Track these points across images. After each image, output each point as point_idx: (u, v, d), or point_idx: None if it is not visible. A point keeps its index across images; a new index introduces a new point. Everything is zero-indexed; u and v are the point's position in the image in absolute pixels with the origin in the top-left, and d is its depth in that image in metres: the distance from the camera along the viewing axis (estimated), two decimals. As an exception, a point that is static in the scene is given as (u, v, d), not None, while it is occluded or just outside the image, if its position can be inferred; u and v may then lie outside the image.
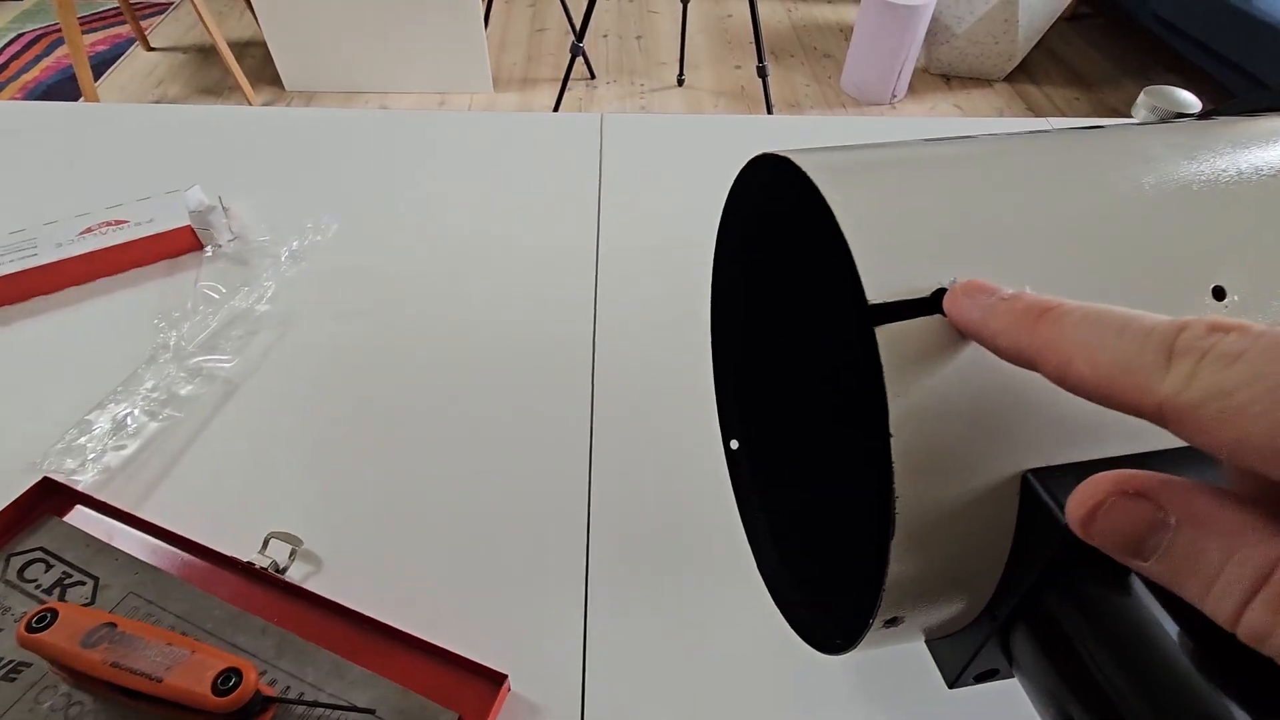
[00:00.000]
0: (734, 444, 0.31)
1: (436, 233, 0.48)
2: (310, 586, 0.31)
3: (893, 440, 0.15)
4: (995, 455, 0.15)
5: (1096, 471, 0.16)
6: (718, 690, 0.29)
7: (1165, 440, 0.16)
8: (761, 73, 1.49)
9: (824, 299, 0.27)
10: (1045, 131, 0.20)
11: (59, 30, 1.81)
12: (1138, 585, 0.15)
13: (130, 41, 2.09)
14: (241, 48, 2.06)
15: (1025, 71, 2.09)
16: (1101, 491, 0.12)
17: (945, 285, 0.16)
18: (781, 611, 0.24)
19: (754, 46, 1.51)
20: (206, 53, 2.04)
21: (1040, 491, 0.15)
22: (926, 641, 0.21)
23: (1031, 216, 0.17)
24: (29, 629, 0.26)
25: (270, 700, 0.27)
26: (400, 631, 0.29)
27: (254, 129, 0.57)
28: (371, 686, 0.28)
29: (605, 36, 2.23)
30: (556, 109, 1.75)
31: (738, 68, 2.10)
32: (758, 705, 0.29)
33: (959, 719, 0.28)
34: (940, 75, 2.10)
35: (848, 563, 0.23)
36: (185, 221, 0.45)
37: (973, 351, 0.15)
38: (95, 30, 2.14)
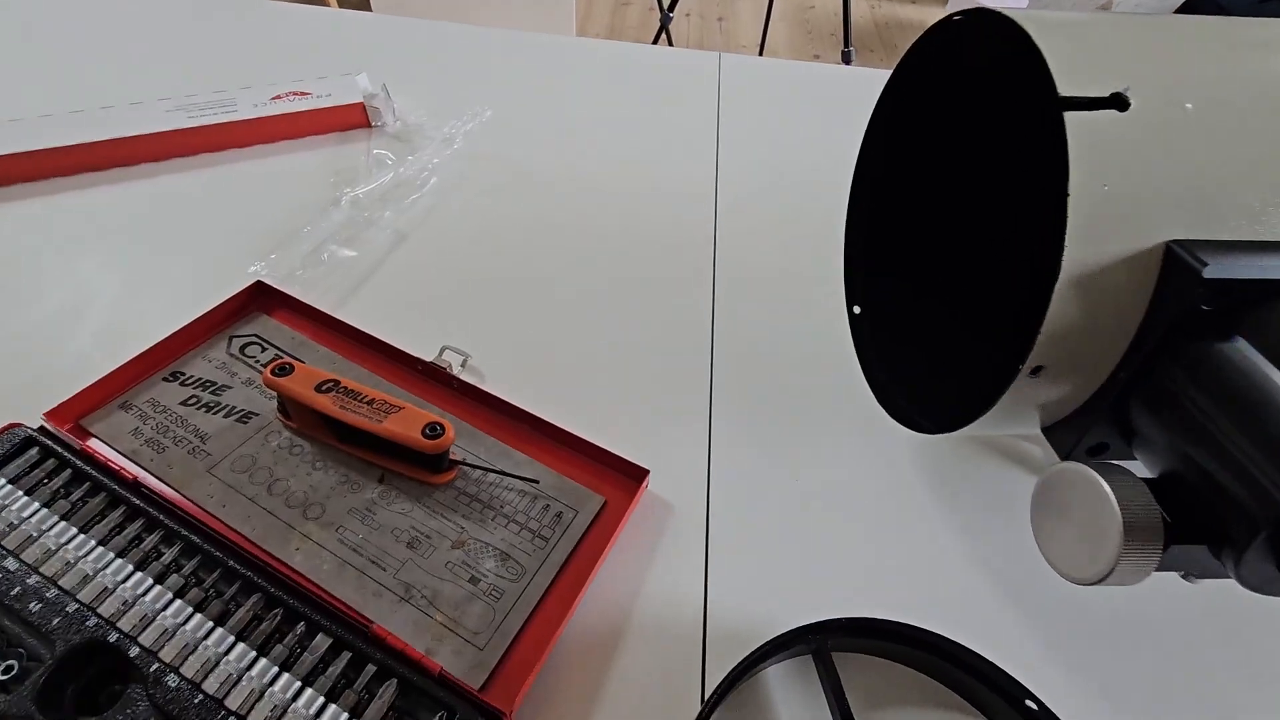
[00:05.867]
0: (856, 310, 0.36)
1: (571, 137, 0.53)
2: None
3: (1070, 200, 0.19)
4: (1146, 225, 0.19)
5: (1232, 249, 0.20)
6: (819, 506, 0.33)
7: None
8: (846, 57, 1.51)
9: (981, 149, 0.31)
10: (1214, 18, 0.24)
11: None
12: (1243, 346, 0.19)
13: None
14: (340, -5, 2.14)
15: (1108, 87, 2.07)
16: None
17: (1121, 91, 0.20)
18: (887, 408, 0.29)
19: (834, 38, 1.53)
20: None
21: (1183, 254, 0.19)
22: (1044, 429, 0.25)
23: (1190, 66, 0.21)
24: (274, 374, 0.31)
25: (455, 463, 0.32)
26: (556, 427, 0.34)
27: (395, 36, 0.63)
28: (531, 468, 0.33)
29: (688, 15, 2.27)
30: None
31: (816, 56, 2.12)
32: (856, 520, 0.33)
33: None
34: (1020, 83, 2.09)
35: (976, 362, 0.28)
36: (359, 99, 0.51)
37: (1137, 140, 0.19)
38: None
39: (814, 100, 0.60)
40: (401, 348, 0.37)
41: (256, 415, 0.33)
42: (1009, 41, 0.22)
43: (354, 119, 0.51)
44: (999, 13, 0.23)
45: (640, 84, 0.60)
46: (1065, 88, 0.20)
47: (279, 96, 0.50)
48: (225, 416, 0.33)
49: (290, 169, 0.48)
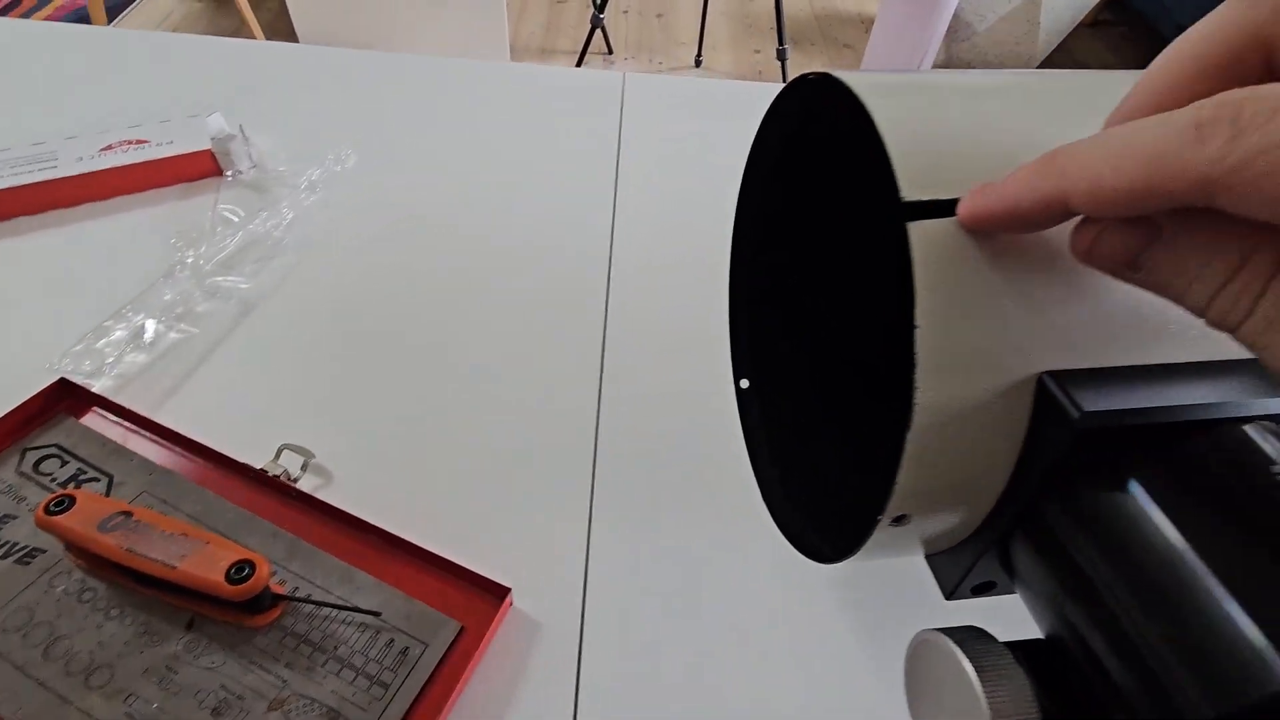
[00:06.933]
0: (744, 384, 0.32)
1: (452, 174, 0.48)
2: (320, 498, 0.32)
3: (918, 332, 0.15)
4: (1012, 356, 0.16)
5: (1113, 378, 0.16)
6: (716, 613, 0.30)
7: (1187, 352, 0.16)
8: (781, 55, 1.48)
9: (843, 233, 0.27)
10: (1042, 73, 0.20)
11: (73, -31, 1.79)
12: (1135, 490, 0.16)
13: (145, -14, 2.06)
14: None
15: (1043, 74, 2.08)
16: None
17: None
18: (782, 531, 0.25)
19: (774, 31, 1.50)
20: (221, 1, 2.02)
21: (1055, 390, 0.16)
22: (926, 556, 0.21)
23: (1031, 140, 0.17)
24: (47, 511, 0.26)
25: (279, 598, 0.28)
26: (407, 542, 0.30)
27: (272, 65, 0.57)
28: (377, 593, 0.29)
29: (625, 12, 2.21)
30: (572, 81, 1.74)
31: (757, 52, 2.09)
32: (753, 624, 0.29)
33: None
34: (958, 73, 2.09)
35: (852, 483, 0.24)
36: (206, 145, 0.45)
37: (998, 253, 0.16)
38: (110, -27, 2.10)
39: (728, 122, 0.56)
40: (231, 451, 0.32)
41: (42, 553, 0.28)
42: (855, 116, 0.18)
43: (201, 168, 0.45)
44: (836, 78, 0.19)
45: (537, 114, 0.55)
46: (913, 187, 0.16)
47: (110, 147, 0.44)
48: (3, 558, 0.28)
49: (121, 232, 0.42)
